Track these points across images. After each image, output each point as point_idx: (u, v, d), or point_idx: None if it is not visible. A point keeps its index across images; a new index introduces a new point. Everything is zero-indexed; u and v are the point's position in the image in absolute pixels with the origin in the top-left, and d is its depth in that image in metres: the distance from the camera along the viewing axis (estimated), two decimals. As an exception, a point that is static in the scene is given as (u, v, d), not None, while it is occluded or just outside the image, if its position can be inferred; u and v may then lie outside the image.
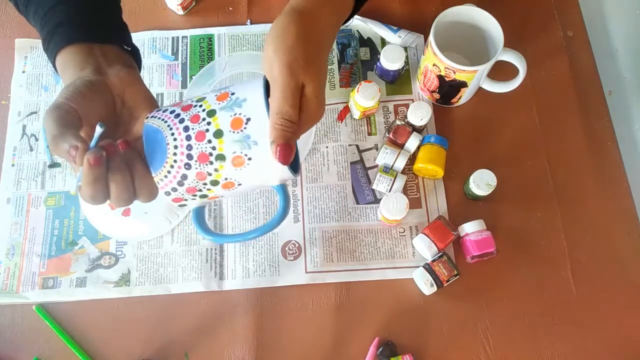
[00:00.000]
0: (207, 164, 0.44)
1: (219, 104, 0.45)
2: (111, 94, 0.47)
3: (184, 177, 0.45)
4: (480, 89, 0.74)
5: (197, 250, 0.71)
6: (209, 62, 0.79)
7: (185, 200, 0.47)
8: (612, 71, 0.80)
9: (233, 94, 0.45)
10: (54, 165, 0.75)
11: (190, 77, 0.79)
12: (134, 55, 0.53)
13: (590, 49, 0.80)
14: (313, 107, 0.45)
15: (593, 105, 0.77)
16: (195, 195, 0.46)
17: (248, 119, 0.44)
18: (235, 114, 0.44)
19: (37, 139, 0.77)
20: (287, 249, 0.71)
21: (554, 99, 0.77)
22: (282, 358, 0.66)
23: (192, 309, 0.68)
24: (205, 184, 0.45)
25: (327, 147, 0.75)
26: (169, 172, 0.45)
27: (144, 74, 0.80)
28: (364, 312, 0.68)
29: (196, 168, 0.44)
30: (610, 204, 0.72)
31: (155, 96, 0.78)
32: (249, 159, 0.44)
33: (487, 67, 0.68)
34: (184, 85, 0.79)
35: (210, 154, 0.44)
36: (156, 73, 0.80)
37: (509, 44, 0.67)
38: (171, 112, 0.46)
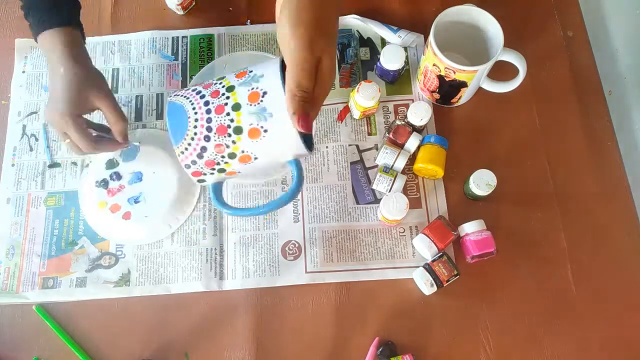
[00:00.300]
0: (225, 136, 0.46)
1: (238, 80, 0.48)
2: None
3: (203, 149, 0.47)
4: (480, 89, 0.74)
5: (197, 250, 0.71)
6: (209, 62, 0.80)
7: (204, 174, 0.48)
8: (612, 71, 0.80)
9: (251, 71, 0.48)
10: (54, 165, 0.75)
11: (190, 77, 0.79)
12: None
13: (590, 49, 0.80)
14: (327, 80, 0.47)
15: (593, 105, 0.77)
16: (213, 170, 0.48)
17: (264, 93, 0.46)
18: (253, 88, 0.46)
19: (37, 139, 0.77)
20: (287, 249, 0.71)
21: (554, 99, 0.77)
22: (282, 358, 0.66)
23: (192, 309, 0.68)
24: (223, 156, 0.47)
25: (327, 147, 0.75)
26: (189, 144, 0.47)
27: (144, 74, 0.80)
28: (364, 312, 0.68)
29: (215, 140, 0.46)
30: (610, 204, 0.72)
31: (155, 96, 0.79)
32: (265, 130, 0.46)
33: (487, 67, 0.68)
34: (184, 85, 0.79)
35: (229, 126, 0.46)
36: (156, 73, 0.80)
37: (509, 44, 0.67)
38: (193, 90, 0.49)
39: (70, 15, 0.65)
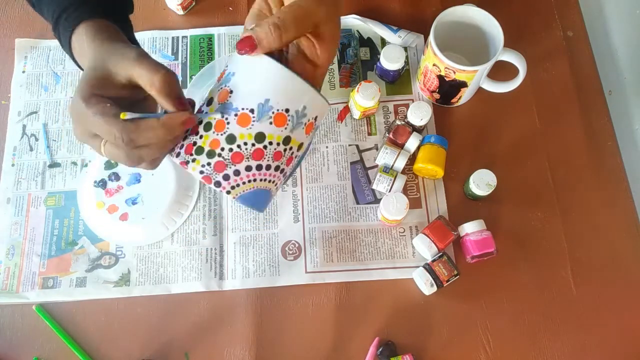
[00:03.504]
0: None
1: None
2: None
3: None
4: (480, 89, 0.74)
5: (197, 250, 0.71)
6: (209, 62, 0.79)
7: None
8: (612, 71, 0.80)
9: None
10: (53, 165, 0.75)
11: (190, 77, 0.79)
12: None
13: (590, 49, 0.80)
14: (328, 43, 0.45)
15: (593, 105, 0.77)
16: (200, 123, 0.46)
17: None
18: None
19: (37, 139, 0.77)
20: (287, 249, 0.71)
21: (554, 99, 0.77)
22: (282, 358, 0.66)
23: (192, 309, 0.68)
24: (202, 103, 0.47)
25: (327, 147, 0.75)
26: None
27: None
28: (364, 312, 0.68)
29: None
30: (610, 203, 0.72)
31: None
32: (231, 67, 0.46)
33: (487, 67, 0.68)
34: (184, 85, 0.79)
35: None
36: (156, 73, 0.80)
37: (509, 44, 0.67)
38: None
39: (97, 8, 0.50)
